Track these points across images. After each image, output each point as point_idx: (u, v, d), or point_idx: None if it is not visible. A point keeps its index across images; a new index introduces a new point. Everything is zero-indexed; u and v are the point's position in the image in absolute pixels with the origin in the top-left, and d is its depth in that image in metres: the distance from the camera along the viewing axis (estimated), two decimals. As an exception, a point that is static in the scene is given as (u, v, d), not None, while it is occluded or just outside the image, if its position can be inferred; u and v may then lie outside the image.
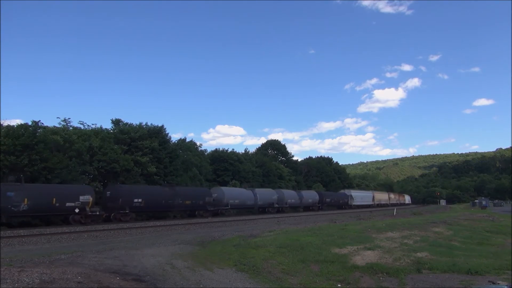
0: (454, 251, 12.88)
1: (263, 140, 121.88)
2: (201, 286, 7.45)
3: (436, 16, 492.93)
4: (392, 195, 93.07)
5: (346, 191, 66.28)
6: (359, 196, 67.44)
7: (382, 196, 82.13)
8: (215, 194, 35.04)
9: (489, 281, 8.25)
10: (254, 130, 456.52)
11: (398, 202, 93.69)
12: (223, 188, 38.18)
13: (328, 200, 55.60)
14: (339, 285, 8.25)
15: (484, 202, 75.45)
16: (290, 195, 46.85)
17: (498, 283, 7.22)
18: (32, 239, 15.57)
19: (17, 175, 23.20)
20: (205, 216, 32.29)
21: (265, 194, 42.46)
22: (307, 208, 50.64)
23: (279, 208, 43.28)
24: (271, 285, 8.01)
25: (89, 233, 18.10)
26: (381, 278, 8.91)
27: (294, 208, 48.03)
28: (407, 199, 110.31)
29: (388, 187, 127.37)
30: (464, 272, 9.32)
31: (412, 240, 15.14)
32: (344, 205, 60.56)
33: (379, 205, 76.23)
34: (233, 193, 37.78)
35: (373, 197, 74.26)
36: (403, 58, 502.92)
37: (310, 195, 51.79)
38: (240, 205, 37.94)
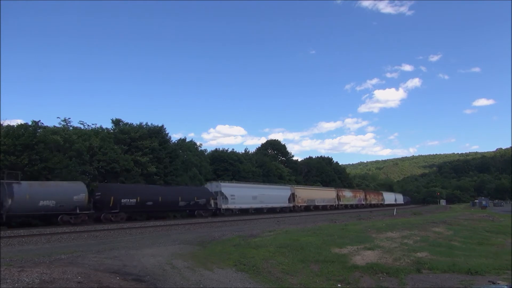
0: (454, 251, 12.87)
1: (263, 140, 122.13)
2: (201, 286, 7.45)
3: (436, 16, 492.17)
4: (347, 193, 61.11)
5: (213, 184, 36.57)
6: (246, 196, 37.99)
7: (316, 194, 51.45)
8: None
9: (489, 281, 8.25)
10: (255, 130, 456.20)
11: (362, 203, 64.67)
12: None
13: (126, 201, 26.75)
14: (339, 285, 8.25)
15: (484, 202, 75.53)
16: None
17: (498, 283, 7.22)
18: (32, 239, 15.57)
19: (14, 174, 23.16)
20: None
21: None
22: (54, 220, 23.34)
23: None
24: (271, 285, 8.00)
25: (89, 233, 18.11)
26: (381, 278, 8.90)
27: None
28: (391, 198, 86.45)
29: (388, 187, 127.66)
30: (464, 272, 9.31)
31: (412, 240, 15.13)
32: (200, 209, 32.79)
33: (313, 209, 48.57)
34: None
35: (293, 195, 45.13)
36: (403, 58, 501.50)
37: (61, 190, 23.37)
38: None
